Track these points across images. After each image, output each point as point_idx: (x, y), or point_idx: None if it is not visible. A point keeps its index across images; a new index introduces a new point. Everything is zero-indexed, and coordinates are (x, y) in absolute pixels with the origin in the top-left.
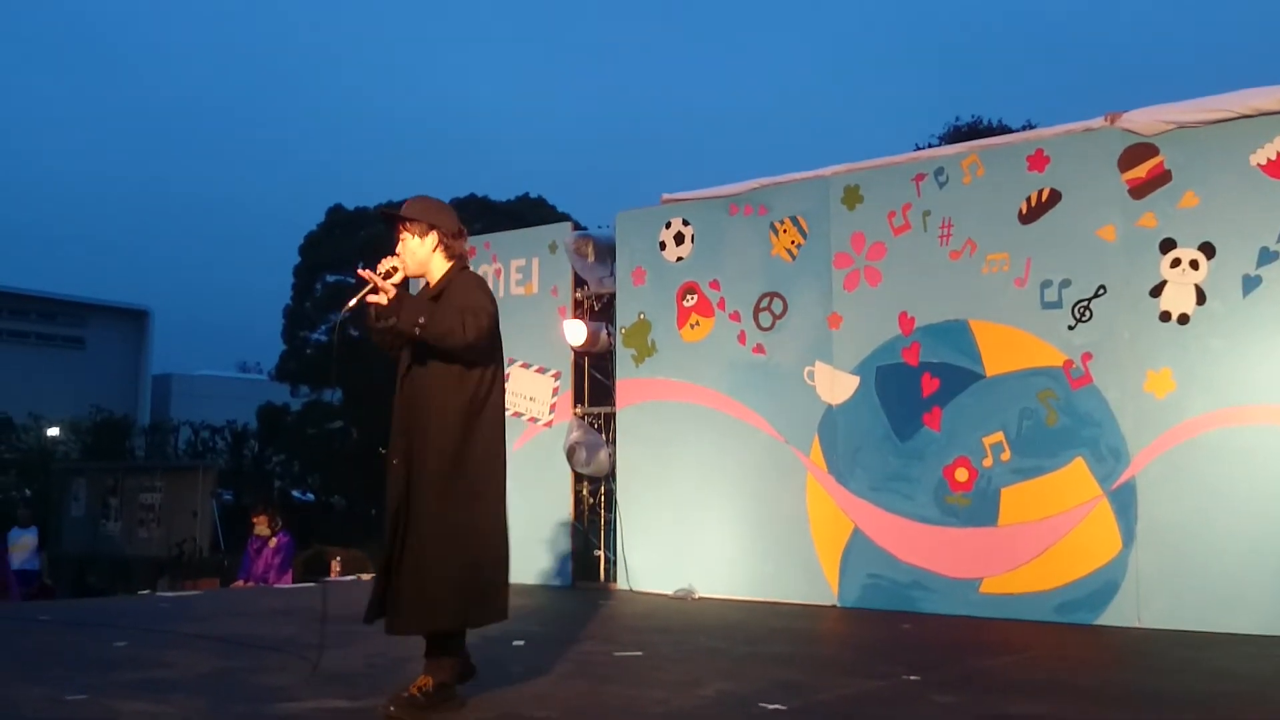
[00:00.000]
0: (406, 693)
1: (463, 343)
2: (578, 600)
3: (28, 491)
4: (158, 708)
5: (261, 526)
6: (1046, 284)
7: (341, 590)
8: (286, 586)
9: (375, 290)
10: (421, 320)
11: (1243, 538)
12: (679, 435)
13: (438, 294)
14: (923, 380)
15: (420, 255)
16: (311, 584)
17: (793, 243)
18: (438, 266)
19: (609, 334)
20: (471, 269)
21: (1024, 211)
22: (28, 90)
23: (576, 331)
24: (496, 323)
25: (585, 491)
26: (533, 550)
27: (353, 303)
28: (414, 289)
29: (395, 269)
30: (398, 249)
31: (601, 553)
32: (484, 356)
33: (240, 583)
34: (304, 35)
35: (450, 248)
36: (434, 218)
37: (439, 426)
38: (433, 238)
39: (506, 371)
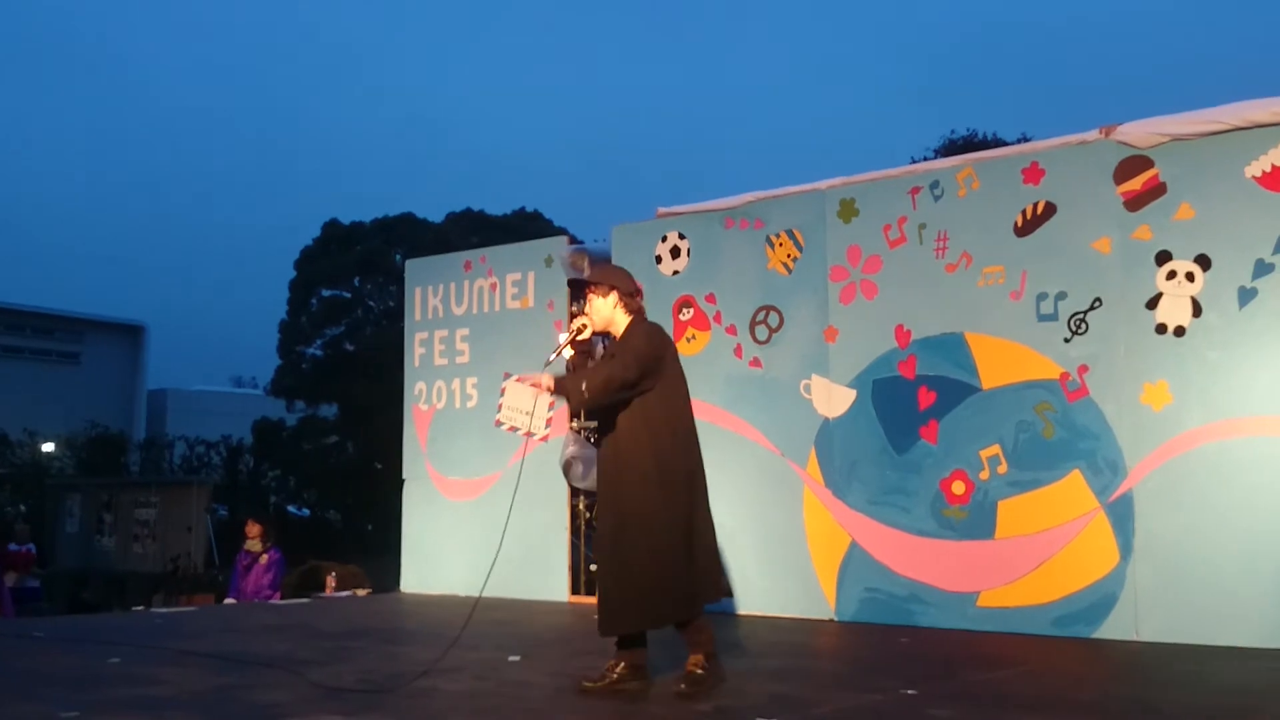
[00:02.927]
0: (688, 673)
1: (620, 383)
2: (574, 615)
3: (22, 507)
4: None
5: (254, 538)
6: (1042, 297)
7: (336, 606)
8: (279, 603)
9: (573, 345)
10: (583, 387)
11: (1241, 550)
12: None
13: (620, 346)
14: (919, 393)
15: (605, 313)
16: (305, 600)
17: (789, 256)
18: (620, 321)
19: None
20: (651, 321)
21: (1019, 224)
22: (23, 104)
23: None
24: (654, 358)
25: (581, 506)
26: (528, 565)
27: (552, 357)
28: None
29: (584, 326)
30: (585, 309)
31: (597, 567)
32: (654, 390)
33: (232, 601)
34: (300, 51)
35: (629, 304)
36: (613, 279)
37: (626, 454)
38: (613, 297)
39: (502, 386)
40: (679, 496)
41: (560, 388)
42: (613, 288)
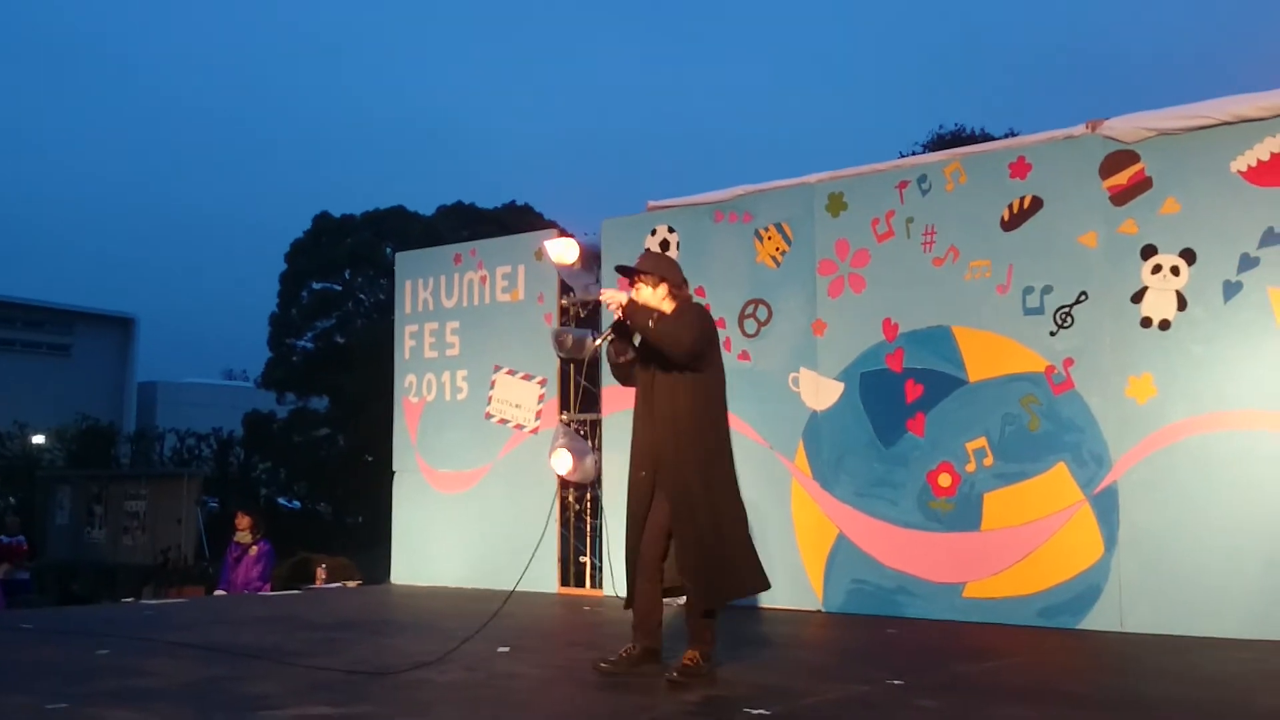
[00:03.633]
0: (684, 665)
1: (684, 344)
2: (563, 606)
3: (12, 499)
4: (140, 716)
5: (244, 529)
6: (1029, 290)
7: (326, 598)
8: (269, 594)
9: (616, 330)
10: (655, 317)
11: (1224, 542)
12: None
13: None
14: (906, 386)
15: (653, 302)
16: (296, 591)
17: (777, 249)
18: (667, 310)
19: (595, 341)
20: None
21: (1006, 218)
22: (14, 97)
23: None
24: (711, 335)
25: (571, 498)
26: (518, 556)
27: (599, 341)
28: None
29: None
30: (634, 297)
31: (588, 559)
32: (708, 369)
33: (222, 592)
34: (290, 43)
35: (677, 296)
36: (665, 271)
37: (687, 432)
38: (663, 289)
39: (493, 378)
40: (734, 471)
41: (631, 311)
42: (662, 279)
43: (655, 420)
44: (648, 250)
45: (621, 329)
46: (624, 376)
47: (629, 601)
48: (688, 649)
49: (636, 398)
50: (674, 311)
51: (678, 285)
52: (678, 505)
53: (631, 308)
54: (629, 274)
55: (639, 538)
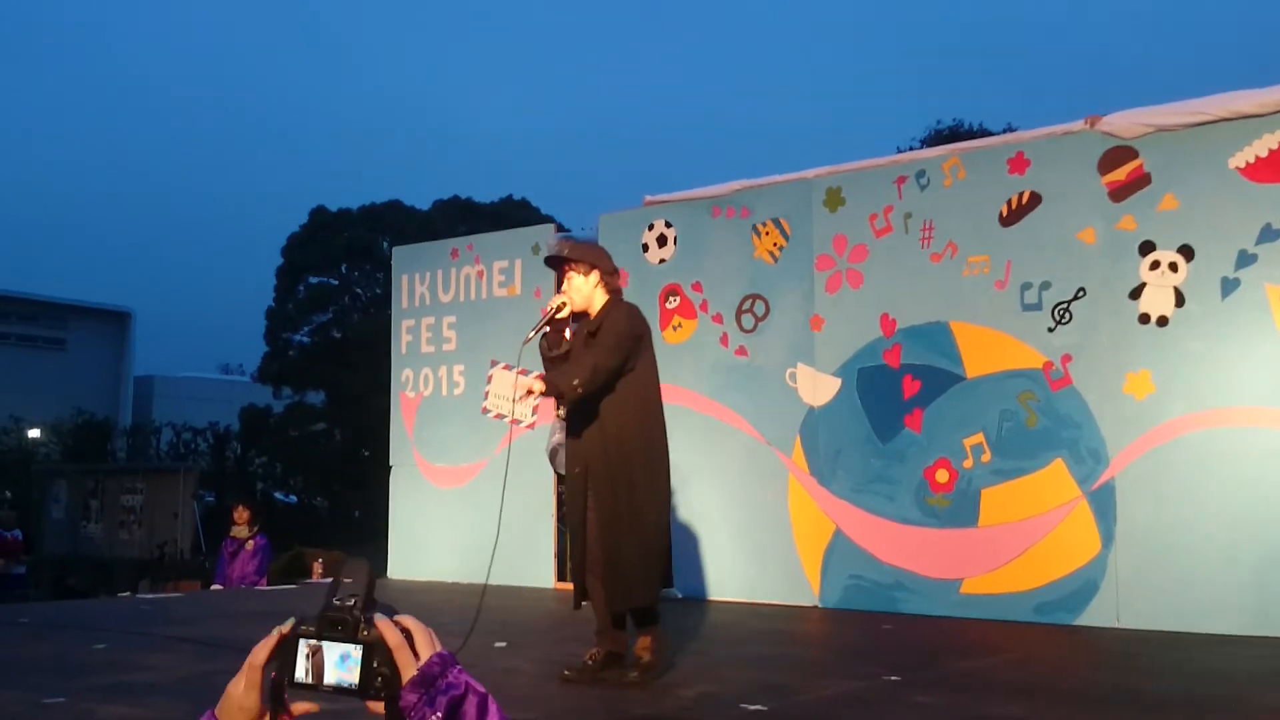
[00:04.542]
0: (639, 662)
1: (608, 371)
2: (559, 602)
3: (8, 494)
4: (137, 711)
5: (241, 523)
6: (1027, 286)
7: (322, 593)
8: (265, 589)
9: (550, 323)
10: (575, 383)
11: (1221, 539)
12: None
13: (597, 326)
14: (904, 382)
15: (585, 291)
16: (292, 586)
17: (775, 245)
18: (598, 300)
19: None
20: (627, 301)
21: (1004, 214)
22: (7, 89)
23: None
24: (640, 338)
25: (567, 494)
26: (514, 552)
27: (531, 334)
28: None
29: (564, 304)
30: (564, 287)
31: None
32: (639, 365)
33: (218, 587)
34: (288, 38)
35: (608, 283)
36: (594, 258)
37: (616, 432)
38: (595, 275)
39: (490, 373)
40: (667, 473)
41: (553, 388)
42: (594, 266)
43: (587, 420)
44: (573, 238)
45: (554, 322)
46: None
47: (578, 603)
48: (635, 647)
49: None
50: (588, 325)
51: (609, 273)
52: (601, 509)
53: (551, 388)
54: (558, 264)
55: (583, 541)
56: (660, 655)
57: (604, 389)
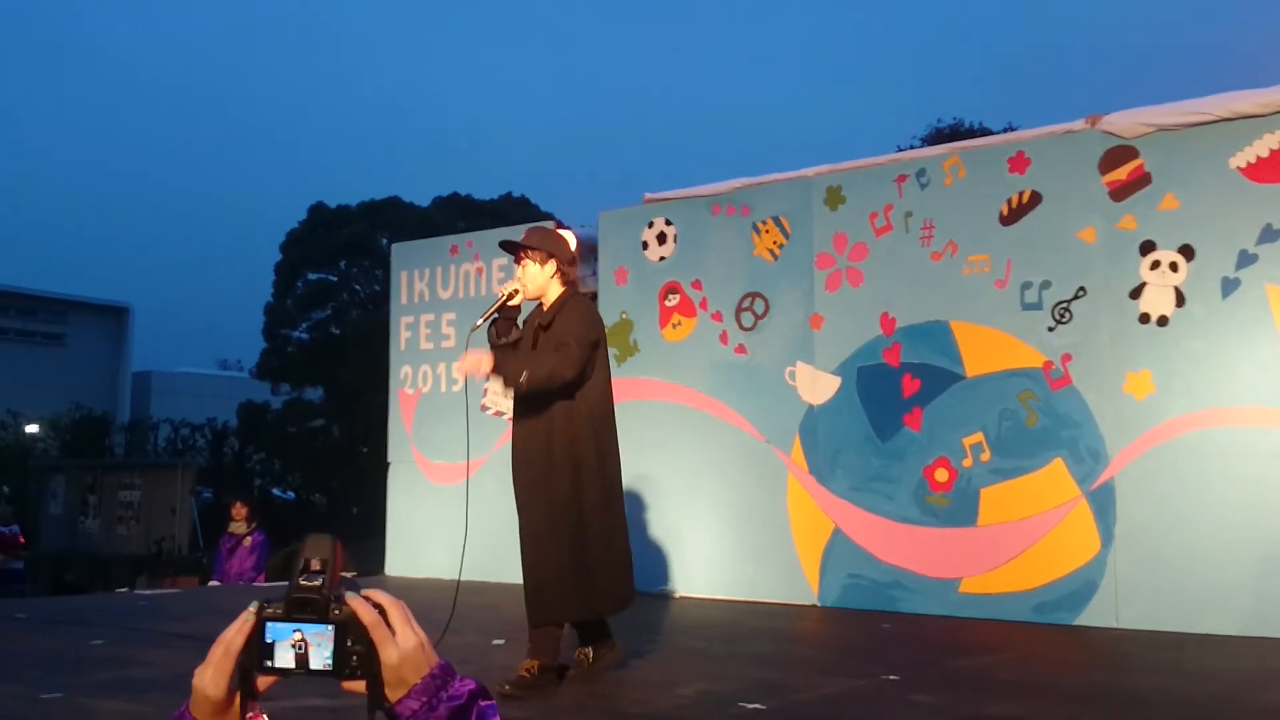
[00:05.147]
0: (517, 675)
1: (563, 380)
2: None
3: (5, 489)
4: (134, 706)
5: (239, 519)
6: (1027, 285)
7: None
8: (263, 585)
9: (501, 310)
10: (524, 377)
11: (1221, 538)
12: (660, 435)
13: (550, 319)
14: (903, 381)
15: (540, 280)
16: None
17: (775, 243)
18: (553, 291)
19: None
20: (583, 296)
21: (1005, 213)
22: (5, 85)
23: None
24: (597, 344)
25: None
26: (514, 550)
27: (480, 322)
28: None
29: (517, 291)
30: (518, 274)
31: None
32: (591, 370)
33: (216, 583)
34: (286, 32)
35: (565, 274)
36: (553, 247)
37: (562, 440)
38: (551, 265)
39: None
40: (618, 483)
41: (500, 369)
42: (551, 255)
43: (532, 422)
44: (536, 226)
45: (505, 309)
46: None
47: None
48: (525, 659)
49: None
50: (561, 326)
51: (567, 262)
52: (548, 515)
53: (498, 367)
54: (514, 249)
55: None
56: (543, 674)
57: (554, 396)
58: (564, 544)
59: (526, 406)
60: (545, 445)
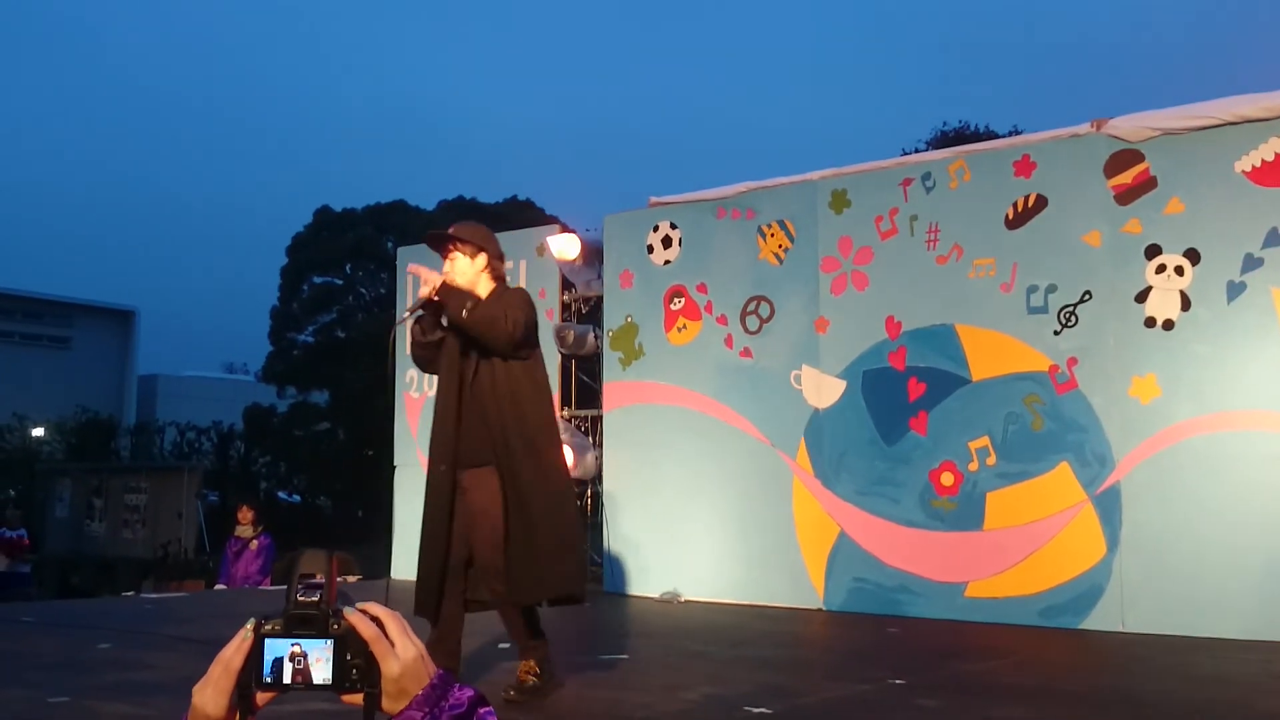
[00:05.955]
0: (519, 680)
1: (504, 333)
2: None
3: (11, 492)
4: (140, 710)
5: (246, 522)
6: (1032, 289)
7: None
8: (269, 588)
9: (425, 306)
10: (469, 305)
11: (1227, 542)
12: (665, 438)
13: None
14: (909, 384)
15: (469, 275)
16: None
17: (780, 246)
18: (484, 286)
19: (596, 336)
20: (518, 287)
21: (1010, 217)
22: (10, 87)
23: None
24: (534, 325)
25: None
26: None
27: (405, 315)
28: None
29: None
30: (445, 267)
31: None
32: (532, 357)
33: (222, 586)
34: (292, 36)
35: (495, 269)
36: (483, 242)
37: (517, 426)
38: (482, 259)
39: None
40: (565, 465)
41: (445, 294)
42: (481, 249)
43: (475, 412)
44: (467, 221)
45: (430, 306)
46: (428, 359)
47: (427, 611)
48: (521, 661)
49: (441, 386)
50: (492, 295)
51: (498, 257)
52: (509, 500)
53: (446, 291)
54: (443, 241)
55: (446, 544)
56: (545, 672)
57: (514, 372)
58: (538, 527)
59: (489, 386)
60: (501, 434)
